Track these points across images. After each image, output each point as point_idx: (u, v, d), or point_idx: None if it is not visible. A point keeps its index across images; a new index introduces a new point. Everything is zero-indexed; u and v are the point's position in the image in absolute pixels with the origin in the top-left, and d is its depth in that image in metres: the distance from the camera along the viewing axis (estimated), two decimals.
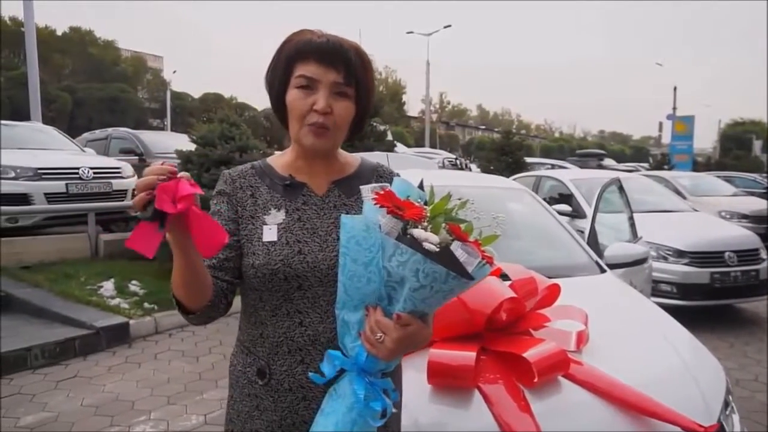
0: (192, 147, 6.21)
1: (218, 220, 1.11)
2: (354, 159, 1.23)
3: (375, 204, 0.94)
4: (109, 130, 10.31)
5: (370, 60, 1.12)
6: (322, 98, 1.05)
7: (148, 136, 9.58)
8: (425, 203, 0.99)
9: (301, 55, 1.07)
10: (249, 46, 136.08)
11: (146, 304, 5.01)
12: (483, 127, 78.00)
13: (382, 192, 0.96)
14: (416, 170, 3.02)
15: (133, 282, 5.47)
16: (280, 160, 1.18)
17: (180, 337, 4.69)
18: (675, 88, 29.29)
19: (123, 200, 6.96)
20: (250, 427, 1.12)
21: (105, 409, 3.34)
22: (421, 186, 1.07)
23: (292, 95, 1.08)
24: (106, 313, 4.70)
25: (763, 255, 5.47)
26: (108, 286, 5.30)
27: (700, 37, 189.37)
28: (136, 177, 7.69)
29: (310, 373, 1.04)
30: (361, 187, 1.01)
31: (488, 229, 1.00)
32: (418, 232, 0.92)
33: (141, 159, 8.90)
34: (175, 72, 51.23)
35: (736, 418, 1.81)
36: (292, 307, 1.08)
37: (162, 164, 0.88)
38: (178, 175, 0.87)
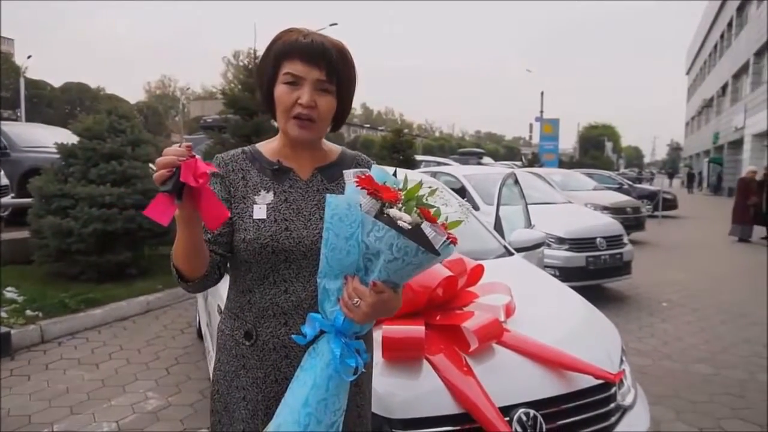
0: (75, 140, 5.71)
1: None
2: (336, 148, 1.34)
3: (357, 186, 1.07)
4: None
5: (352, 57, 1.24)
6: (306, 93, 1.16)
7: (12, 128, 8.59)
8: (398, 189, 1.12)
9: (288, 54, 1.17)
10: (118, 32, 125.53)
11: (28, 312, 4.54)
12: (367, 125, 79.44)
13: (363, 176, 1.08)
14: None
15: (9, 289, 4.93)
16: (268, 147, 1.28)
17: (72, 344, 4.33)
18: (542, 93, 31.93)
19: None
20: (236, 384, 1.23)
21: None
22: (394, 175, 1.20)
23: (280, 90, 1.18)
24: None
25: (626, 240, 6.33)
26: None
27: (564, 48, 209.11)
28: (2, 173, 6.88)
29: (292, 335, 1.16)
30: (344, 171, 1.13)
31: (454, 215, 1.15)
32: (393, 212, 1.05)
33: (3, 153, 7.96)
34: (30, 57, 45.68)
35: (628, 368, 2.16)
36: (278, 277, 1.19)
37: (180, 146, 0.97)
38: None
